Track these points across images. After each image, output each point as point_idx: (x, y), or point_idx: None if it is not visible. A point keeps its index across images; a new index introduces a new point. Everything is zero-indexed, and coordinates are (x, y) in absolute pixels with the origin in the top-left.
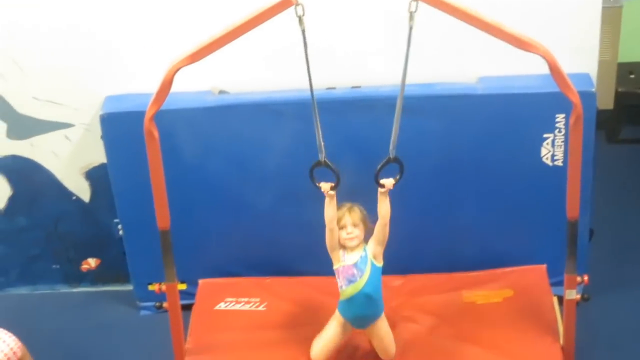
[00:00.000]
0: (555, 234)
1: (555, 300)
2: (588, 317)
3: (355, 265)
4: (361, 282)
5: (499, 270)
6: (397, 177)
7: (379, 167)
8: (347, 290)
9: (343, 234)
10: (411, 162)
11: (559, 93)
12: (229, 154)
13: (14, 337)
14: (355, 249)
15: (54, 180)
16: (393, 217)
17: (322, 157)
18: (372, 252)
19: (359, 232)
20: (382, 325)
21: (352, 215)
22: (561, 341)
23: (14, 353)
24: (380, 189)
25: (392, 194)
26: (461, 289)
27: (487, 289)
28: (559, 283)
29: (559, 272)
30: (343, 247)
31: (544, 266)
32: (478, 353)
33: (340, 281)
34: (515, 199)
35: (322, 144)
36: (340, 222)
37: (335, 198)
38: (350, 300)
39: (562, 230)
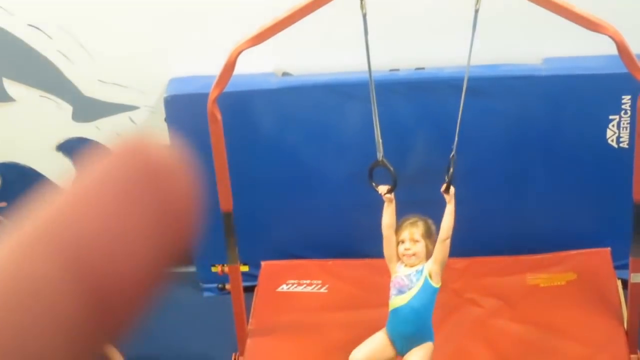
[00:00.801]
0: (620, 217)
1: (619, 283)
2: None
3: (408, 276)
4: (410, 294)
5: (563, 253)
6: (448, 179)
7: (448, 174)
8: (394, 300)
9: (401, 249)
10: (475, 144)
11: (624, 74)
12: (292, 136)
13: None
14: (414, 265)
15: None
16: (458, 200)
17: (380, 155)
18: (429, 270)
19: (419, 249)
20: (424, 352)
21: (413, 230)
22: (625, 325)
23: None
24: (444, 195)
25: (457, 176)
26: (525, 272)
27: (550, 272)
28: (624, 266)
29: (624, 255)
30: (401, 260)
31: (608, 249)
32: (540, 336)
33: (392, 291)
34: (580, 181)
35: (381, 142)
36: (400, 235)
37: (393, 202)
38: (396, 312)
39: (627, 213)
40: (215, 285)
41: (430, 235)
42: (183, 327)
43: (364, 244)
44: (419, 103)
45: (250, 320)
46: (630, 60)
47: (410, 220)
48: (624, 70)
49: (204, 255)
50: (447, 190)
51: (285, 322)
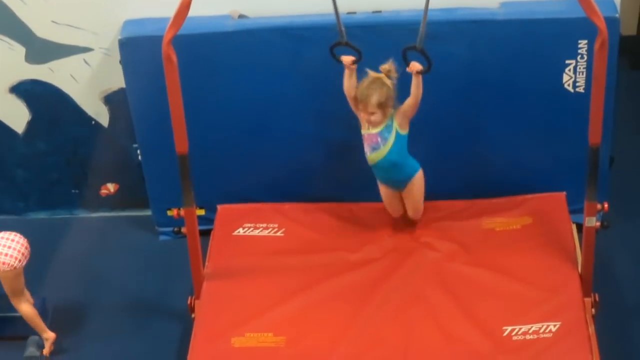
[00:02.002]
0: (575, 161)
1: (574, 227)
2: (607, 245)
3: (379, 133)
4: (384, 150)
5: (519, 198)
6: (426, 67)
7: (404, 49)
8: (370, 156)
9: (363, 115)
10: (432, 88)
11: (581, 19)
12: (247, 79)
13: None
14: (378, 126)
15: (73, 104)
16: (413, 143)
17: (343, 38)
18: (398, 122)
19: (376, 117)
20: (415, 186)
21: (366, 103)
22: (579, 269)
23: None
24: (410, 70)
25: (412, 121)
26: (481, 216)
27: (506, 216)
28: (578, 211)
29: (578, 199)
30: None
31: (564, 193)
32: (496, 279)
33: (366, 147)
34: (536, 125)
35: (342, 26)
36: (359, 105)
37: (355, 73)
38: (375, 166)
39: (583, 157)
40: (171, 229)
41: (388, 99)
42: (139, 271)
43: (320, 188)
44: (375, 46)
45: (206, 263)
46: (588, 4)
47: (365, 93)
48: (581, 14)
49: (160, 199)
50: (418, 72)
51: (242, 265)
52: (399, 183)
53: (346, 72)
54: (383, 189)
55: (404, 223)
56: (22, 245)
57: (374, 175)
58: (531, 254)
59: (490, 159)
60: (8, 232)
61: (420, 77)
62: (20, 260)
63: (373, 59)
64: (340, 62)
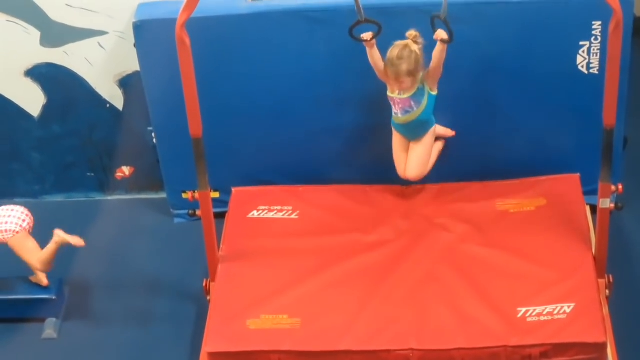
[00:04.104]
0: (589, 142)
1: (588, 209)
2: (621, 226)
3: (412, 97)
4: (418, 112)
5: (533, 179)
6: (448, 38)
7: (432, 16)
8: (402, 118)
9: (396, 82)
10: (446, 70)
11: (595, 0)
12: (261, 61)
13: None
14: (410, 91)
15: (87, 88)
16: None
17: (361, 17)
18: (429, 84)
19: (407, 85)
20: (424, 142)
21: (399, 71)
22: (593, 250)
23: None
24: (436, 37)
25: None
26: (495, 198)
27: (520, 198)
28: (592, 192)
29: (592, 180)
30: None
31: (577, 175)
32: (510, 261)
33: (396, 109)
34: (550, 107)
35: (360, 5)
36: (393, 73)
37: (375, 46)
38: (404, 125)
39: (597, 139)
40: (186, 211)
41: (417, 66)
42: (154, 254)
43: (334, 170)
44: (389, 28)
45: (221, 246)
46: None
47: (395, 59)
48: None
49: (174, 181)
50: (442, 40)
51: (256, 248)
52: (418, 135)
53: (368, 50)
54: (397, 138)
55: (418, 204)
56: (22, 212)
57: (388, 157)
58: (545, 235)
59: (504, 140)
60: (6, 206)
61: (445, 45)
62: (20, 225)
63: (389, 42)
64: (360, 41)
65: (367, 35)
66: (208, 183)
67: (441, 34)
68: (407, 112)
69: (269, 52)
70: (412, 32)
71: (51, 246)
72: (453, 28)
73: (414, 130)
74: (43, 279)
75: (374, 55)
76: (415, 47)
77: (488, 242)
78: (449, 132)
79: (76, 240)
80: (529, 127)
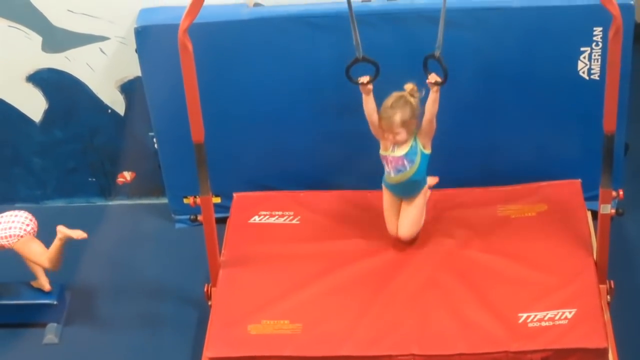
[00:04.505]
0: (590, 148)
1: (589, 214)
2: (622, 232)
3: (405, 155)
4: (410, 172)
5: (534, 185)
6: (443, 78)
7: (425, 57)
8: (395, 177)
9: (387, 136)
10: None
11: (596, 5)
12: (263, 67)
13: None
14: (403, 145)
15: (89, 93)
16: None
17: (359, 53)
18: (422, 142)
19: (401, 137)
20: (415, 203)
21: (391, 122)
22: (594, 255)
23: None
24: (429, 81)
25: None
26: (496, 203)
27: (521, 203)
28: (593, 198)
29: (593, 186)
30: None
31: (579, 181)
32: (511, 266)
33: (388, 168)
34: (551, 113)
35: (359, 41)
36: (382, 126)
37: (371, 93)
38: (397, 185)
39: (597, 145)
40: (187, 216)
41: (412, 118)
42: (156, 259)
43: (335, 176)
44: (390, 34)
45: (222, 251)
46: None
47: (389, 113)
48: (596, 1)
49: (176, 187)
50: (436, 82)
51: (258, 253)
52: (410, 196)
53: (363, 97)
54: (388, 197)
55: None
56: (25, 217)
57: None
58: (546, 241)
59: (505, 146)
60: (9, 212)
61: (438, 93)
62: (23, 229)
63: (388, 47)
64: (356, 83)
65: (364, 78)
66: (210, 188)
67: (434, 76)
68: (399, 171)
69: (271, 57)
70: (409, 85)
71: (56, 243)
72: (454, 34)
73: (406, 190)
74: (45, 284)
75: (369, 105)
76: (411, 99)
77: (489, 248)
78: (433, 181)
79: (78, 234)
80: (529, 133)
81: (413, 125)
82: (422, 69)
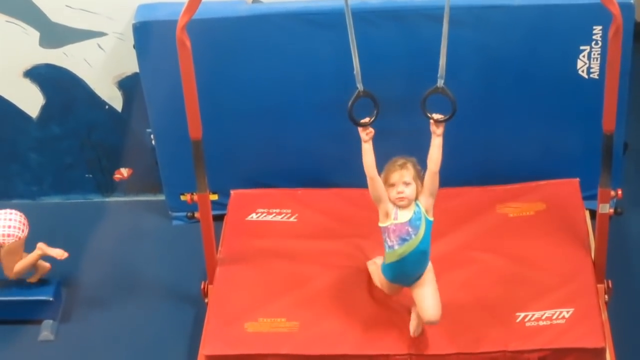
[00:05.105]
0: (589, 147)
1: (587, 214)
2: (620, 231)
3: (409, 222)
4: (416, 240)
5: (532, 184)
6: (449, 115)
7: (425, 94)
8: (399, 250)
9: (393, 193)
10: (448, 74)
11: (596, 4)
12: (261, 64)
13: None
14: (407, 206)
15: (86, 89)
16: (428, 130)
17: (360, 87)
18: (425, 206)
19: (411, 191)
20: (428, 279)
21: (404, 172)
22: (593, 255)
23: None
24: (432, 128)
25: (428, 106)
26: (494, 202)
27: (519, 202)
28: (592, 197)
29: (592, 185)
30: (393, 203)
31: (577, 180)
32: (509, 265)
33: (391, 240)
34: (550, 112)
35: (360, 72)
36: (391, 179)
37: (371, 143)
38: (402, 260)
39: (596, 144)
40: (184, 213)
41: (419, 176)
42: (152, 256)
43: (333, 174)
44: (390, 32)
45: (219, 248)
46: None
47: (399, 163)
48: (596, 0)
49: (173, 184)
50: (443, 120)
51: (255, 250)
52: (416, 277)
53: (363, 145)
54: (387, 290)
55: None
56: (19, 221)
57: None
58: (544, 240)
59: (504, 144)
60: (3, 210)
61: (442, 137)
62: (22, 230)
63: (388, 45)
64: (358, 125)
65: (366, 120)
66: (207, 185)
67: (437, 115)
68: (405, 240)
69: (269, 54)
70: (411, 158)
71: (33, 257)
72: (453, 32)
73: (414, 266)
74: (44, 264)
75: (369, 156)
76: (412, 164)
77: (487, 247)
78: None
79: (58, 253)
80: (528, 132)
81: (418, 184)
82: (419, 66)
